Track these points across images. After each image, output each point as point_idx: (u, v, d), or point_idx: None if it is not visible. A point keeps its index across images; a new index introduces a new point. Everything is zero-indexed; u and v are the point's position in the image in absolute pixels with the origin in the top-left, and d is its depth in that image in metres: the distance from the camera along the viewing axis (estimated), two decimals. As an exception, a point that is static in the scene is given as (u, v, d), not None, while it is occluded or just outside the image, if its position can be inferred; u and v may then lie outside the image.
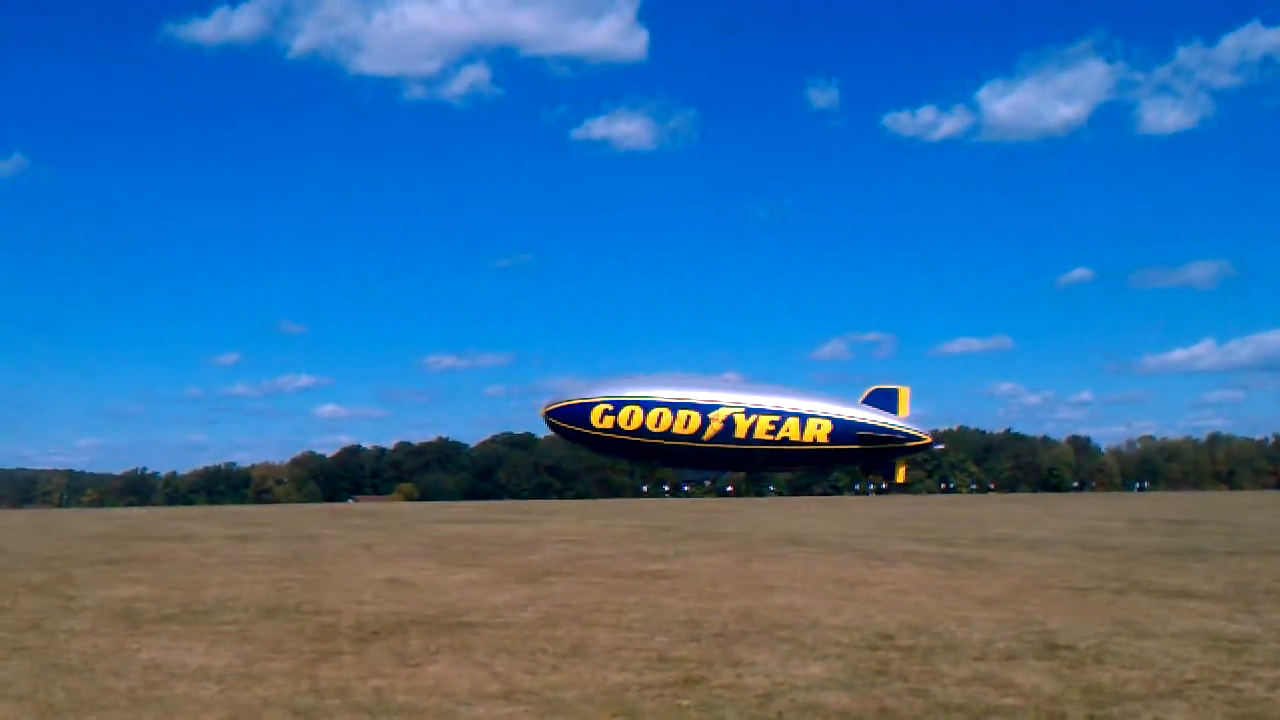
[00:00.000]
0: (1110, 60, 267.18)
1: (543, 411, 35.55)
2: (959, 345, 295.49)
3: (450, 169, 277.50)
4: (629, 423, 33.47)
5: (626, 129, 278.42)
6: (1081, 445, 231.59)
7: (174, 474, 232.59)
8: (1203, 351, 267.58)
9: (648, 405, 33.51)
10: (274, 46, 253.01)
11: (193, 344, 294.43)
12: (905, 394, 35.57)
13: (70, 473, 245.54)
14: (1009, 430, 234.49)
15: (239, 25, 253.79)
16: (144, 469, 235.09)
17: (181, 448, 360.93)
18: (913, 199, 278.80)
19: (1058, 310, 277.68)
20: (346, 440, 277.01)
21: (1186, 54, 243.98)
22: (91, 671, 12.70)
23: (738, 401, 33.37)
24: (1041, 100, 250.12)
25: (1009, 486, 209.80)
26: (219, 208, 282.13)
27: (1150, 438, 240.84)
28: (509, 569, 26.09)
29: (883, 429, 33.21)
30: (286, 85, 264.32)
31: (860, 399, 35.59)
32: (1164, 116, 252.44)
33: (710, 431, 33.11)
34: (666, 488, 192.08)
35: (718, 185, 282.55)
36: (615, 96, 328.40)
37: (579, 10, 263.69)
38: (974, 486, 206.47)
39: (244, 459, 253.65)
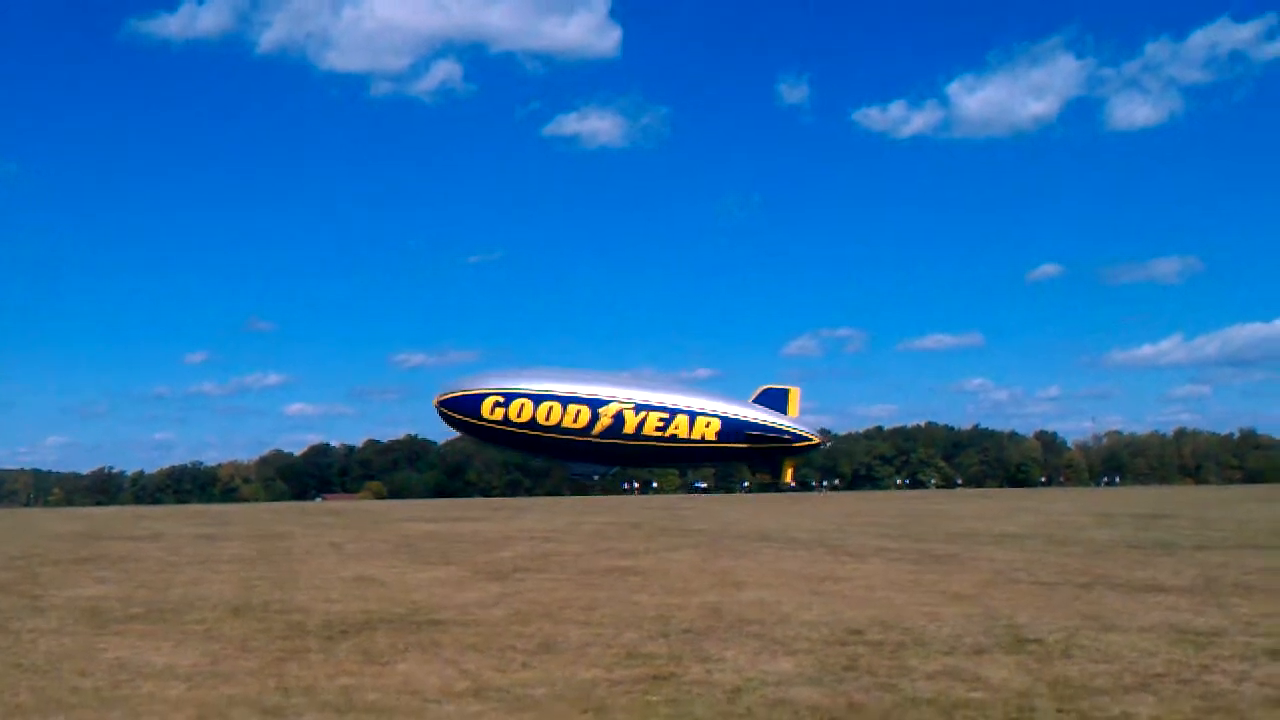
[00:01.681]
0: (1080, 56, 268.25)
1: (435, 401, 35.38)
2: (929, 341, 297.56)
3: (420, 165, 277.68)
4: (519, 415, 33.41)
5: (598, 125, 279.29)
6: (1049, 440, 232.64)
7: (141, 473, 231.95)
8: (1170, 347, 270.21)
9: (538, 399, 33.45)
10: (242, 42, 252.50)
11: (161, 342, 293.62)
12: (795, 394, 35.74)
13: (37, 472, 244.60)
14: (977, 426, 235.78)
15: (206, 21, 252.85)
16: (111, 468, 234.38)
17: (149, 446, 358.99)
18: (883, 194, 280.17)
19: (1027, 306, 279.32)
20: (315, 438, 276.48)
21: (1155, 49, 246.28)
22: (58, 671, 12.62)
23: (628, 397, 33.30)
24: (1012, 95, 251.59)
25: (977, 482, 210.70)
26: (187, 205, 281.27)
27: (1117, 433, 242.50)
28: (478, 566, 26.04)
29: (771, 429, 33.32)
30: (255, 81, 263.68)
31: (751, 398, 35.65)
32: (1133, 112, 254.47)
33: (600, 427, 33.13)
34: (635, 485, 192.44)
35: (689, 182, 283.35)
36: (587, 93, 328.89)
37: (551, 6, 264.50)
38: (922, 482, 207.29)
39: (212, 458, 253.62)
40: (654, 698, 10.91)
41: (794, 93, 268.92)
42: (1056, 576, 21.81)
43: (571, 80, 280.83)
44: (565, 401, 32.90)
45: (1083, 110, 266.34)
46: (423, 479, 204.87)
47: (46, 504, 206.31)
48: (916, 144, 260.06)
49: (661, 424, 32.99)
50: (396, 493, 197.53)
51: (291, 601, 19.12)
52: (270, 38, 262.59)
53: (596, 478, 36.17)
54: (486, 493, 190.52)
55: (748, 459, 35.10)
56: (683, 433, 33.14)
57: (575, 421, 32.85)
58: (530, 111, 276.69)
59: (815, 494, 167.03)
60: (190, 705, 10.86)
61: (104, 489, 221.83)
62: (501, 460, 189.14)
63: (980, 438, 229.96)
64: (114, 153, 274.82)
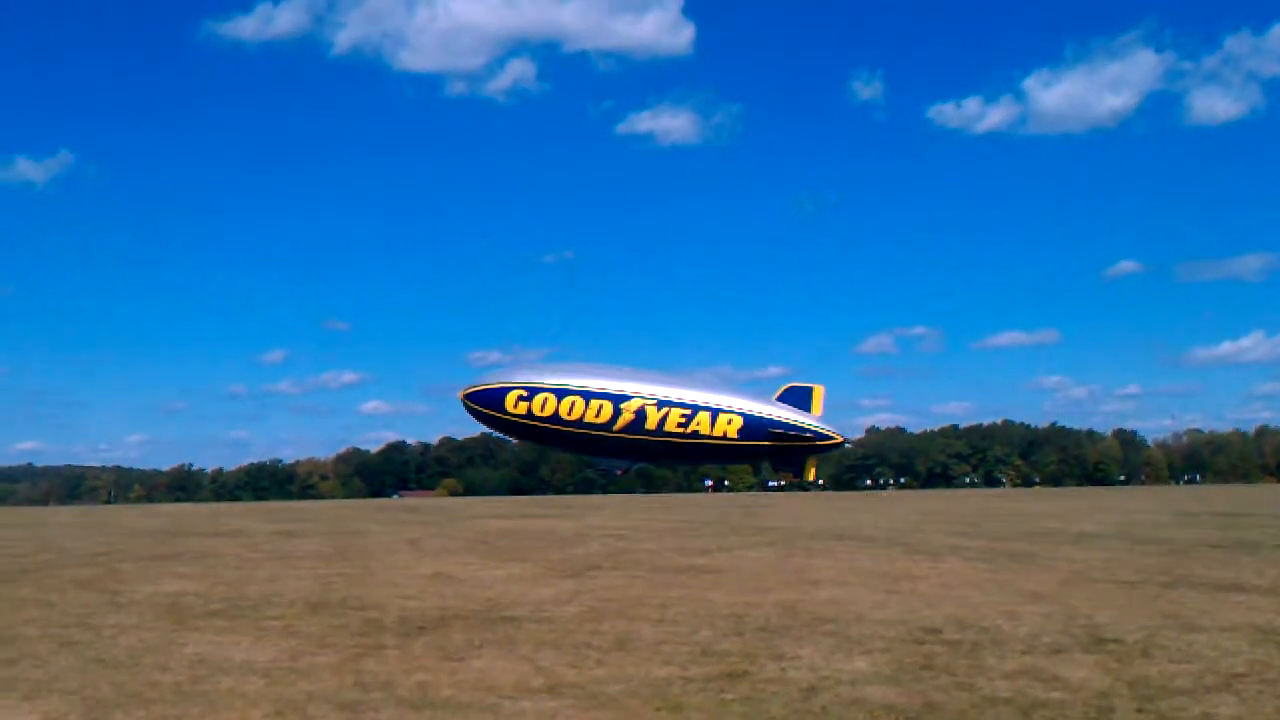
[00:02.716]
0: (1159, 50, 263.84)
1: (461, 394, 35.58)
2: (1005, 338, 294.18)
3: (494, 164, 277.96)
4: (542, 409, 33.33)
5: (671, 123, 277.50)
6: (1128, 439, 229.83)
7: (220, 470, 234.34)
8: (1251, 344, 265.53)
9: (561, 393, 33.38)
10: (317, 43, 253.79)
11: (239, 341, 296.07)
12: (819, 392, 35.30)
13: (118, 469, 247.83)
14: (1054, 424, 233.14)
15: (282, 22, 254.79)
16: (190, 465, 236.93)
17: (227, 444, 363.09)
18: (958, 191, 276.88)
19: (1105, 303, 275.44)
20: (391, 436, 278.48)
21: (1235, 43, 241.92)
22: (138, 666, 12.77)
23: (651, 393, 33.27)
24: (1089, 90, 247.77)
25: (1054, 480, 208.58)
26: (263, 205, 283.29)
27: (1198, 431, 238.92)
28: (553, 564, 26.12)
29: (794, 427, 32.95)
30: (330, 82, 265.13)
31: (775, 396, 35.48)
32: (1213, 106, 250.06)
33: (621, 422, 32.90)
34: (709, 483, 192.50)
35: (762, 179, 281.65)
36: (660, 91, 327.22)
37: (624, 4, 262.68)
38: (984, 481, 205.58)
39: (289, 455, 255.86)
40: (729, 695, 10.88)
41: (867, 89, 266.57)
42: (1136, 576, 21.56)
43: (645, 78, 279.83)
44: (588, 397, 32.90)
45: (1161, 105, 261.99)
46: (497, 476, 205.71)
47: (127, 501, 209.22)
48: (992, 140, 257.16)
49: (683, 420, 32.89)
50: (471, 490, 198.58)
51: (368, 598, 19.25)
52: (345, 38, 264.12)
53: (620, 472, 36.25)
54: (560, 490, 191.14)
55: (770, 457, 34.93)
56: (704, 429, 32.99)
57: (597, 417, 32.82)
58: (603, 110, 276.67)
59: (882, 492, 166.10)
60: (268, 700, 10.96)
61: (183, 486, 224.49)
62: (574, 458, 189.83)
63: (1057, 436, 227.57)
64: (191, 154, 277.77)
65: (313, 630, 15.36)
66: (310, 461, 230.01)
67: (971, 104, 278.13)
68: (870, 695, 10.82)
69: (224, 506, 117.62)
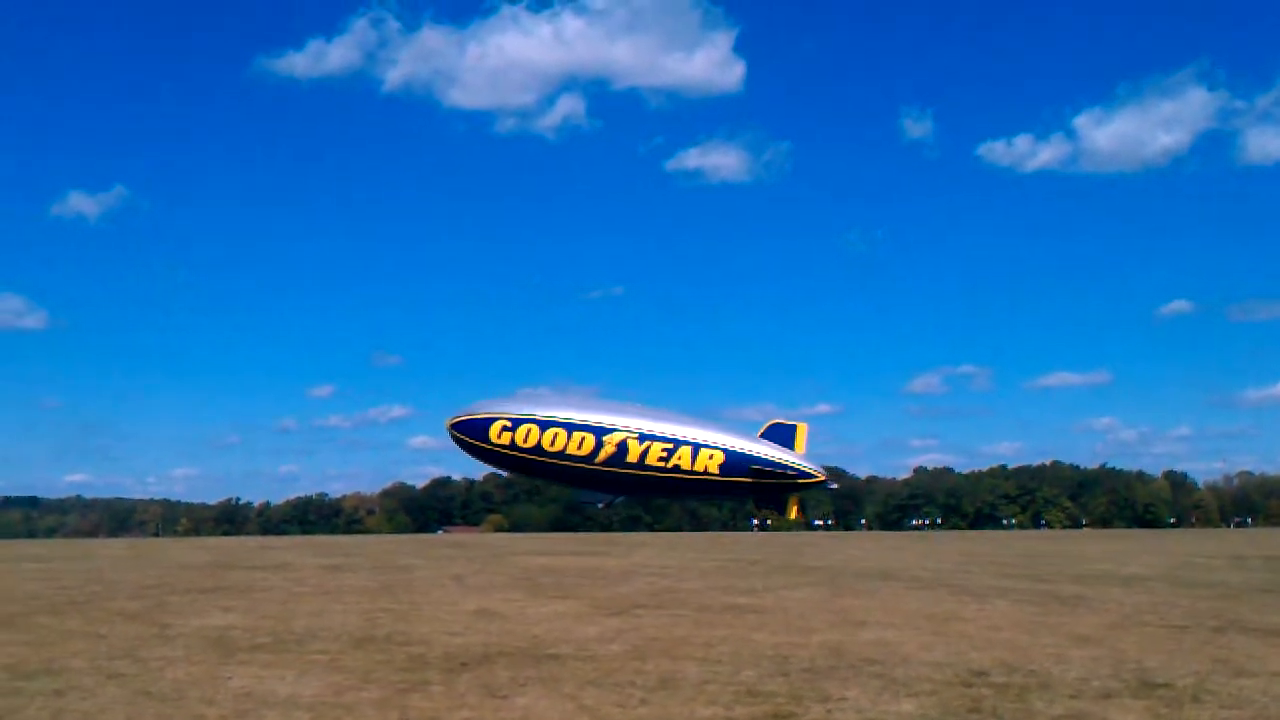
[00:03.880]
0: (1211, 88, 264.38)
1: (447, 424, 35.74)
2: (1055, 379, 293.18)
3: (543, 201, 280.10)
4: (525, 440, 33.64)
5: (721, 160, 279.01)
6: (1178, 481, 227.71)
7: (267, 504, 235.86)
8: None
9: (544, 425, 33.67)
10: (368, 79, 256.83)
11: (289, 376, 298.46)
12: (803, 430, 35.29)
13: (166, 502, 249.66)
14: (1104, 465, 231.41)
15: (334, 58, 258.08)
16: (238, 499, 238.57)
17: (275, 478, 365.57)
18: (1009, 230, 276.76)
19: (1156, 343, 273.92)
20: (437, 471, 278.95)
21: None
22: (184, 699, 12.82)
23: (634, 426, 33.28)
24: (1141, 129, 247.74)
25: (1103, 522, 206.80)
26: (313, 240, 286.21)
27: (1249, 473, 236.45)
28: (597, 601, 26.06)
29: (776, 464, 32.92)
30: (381, 118, 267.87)
31: (759, 433, 35.33)
32: (1267, 145, 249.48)
33: (603, 455, 33.11)
34: (755, 522, 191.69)
35: (811, 217, 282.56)
36: (710, 128, 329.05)
37: (675, 43, 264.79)
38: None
39: (336, 489, 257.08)
40: (774, 737, 10.82)
41: (918, 127, 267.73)
42: (1186, 619, 21.32)
43: (694, 115, 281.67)
44: (570, 429, 33.18)
45: (1214, 143, 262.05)
46: (543, 513, 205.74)
47: (175, 534, 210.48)
48: (1043, 178, 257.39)
49: (665, 454, 33.07)
50: (517, 526, 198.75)
51: (413, 633, 19.27)
52: (396, 75, 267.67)
53: (601, 505, 36.25)
54: (605, 528, 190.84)
55: (752, 494, 34.90)
56: (685, 464, 33.16)
57: (580, 449, 33.10)
58: (653, 147, 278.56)
59: (928, 532, 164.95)
60: (314, 735, 10.98)
61: (230, 519, 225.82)
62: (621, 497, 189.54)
63: (1107, 477, 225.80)
64: (243, 189, 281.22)
65: (358, 665, 15.38)
66: (356, 496, 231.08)
67: (1022, 142, 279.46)
68: (916, 738, 10.74)
69: (271, 540, 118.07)
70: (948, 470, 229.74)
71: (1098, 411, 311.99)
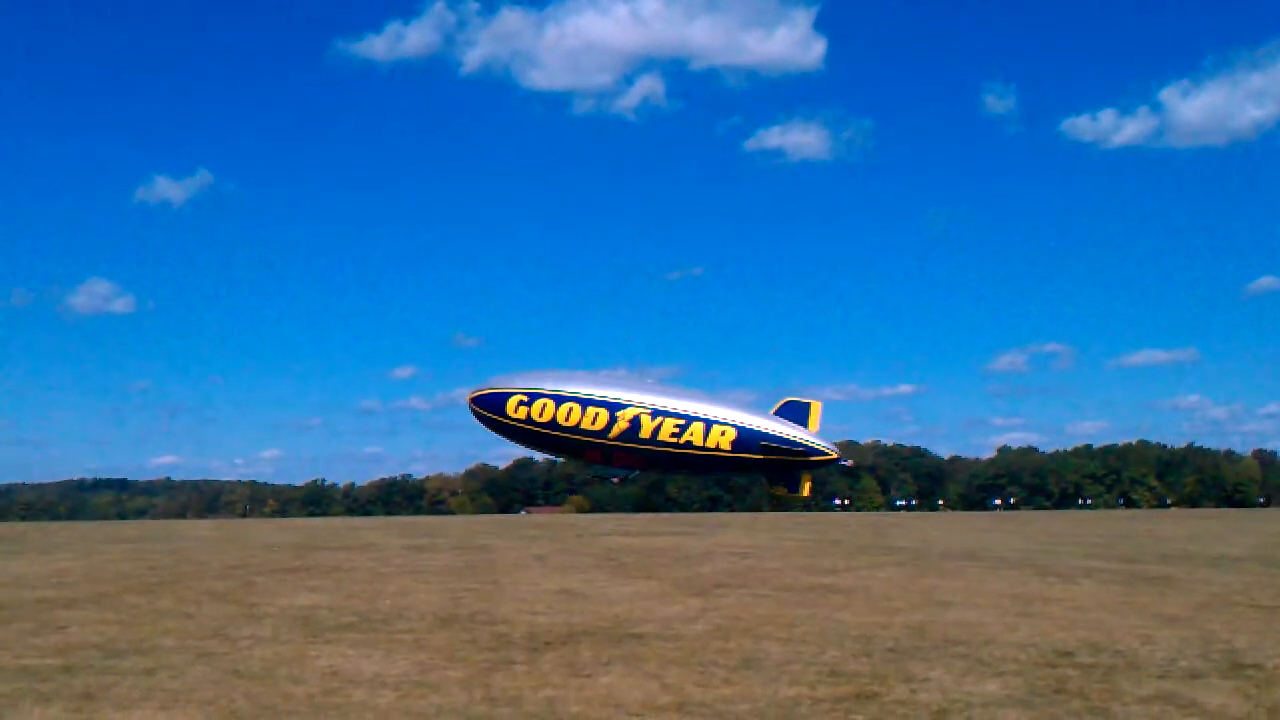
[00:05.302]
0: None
1: (468, 397, 36.02)
2: (1141, 357, 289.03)
3: (622, 181, 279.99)
4: (541, 415, 33.85)
5: (801, 139, 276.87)
6: (1268, 459, 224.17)
7: (352, 485, 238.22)
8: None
9: (559, 399, 33.88)
10: (446, 62, 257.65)
11: (371, 358, 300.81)
12: (817, 408, 35.05)
13: (253, 483, 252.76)
14: (1191, 444, 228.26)
15: (412, 41, 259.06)
16: (323, 480, 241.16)
17: (360, 459, 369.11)
18: (1093, 206, 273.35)
19: (1245, 320, 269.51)
20: (520, 453, 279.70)
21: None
22: (272, 678, 12.98)
23: (648, 402, 33.29)
24: (1230, 102, 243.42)
25: (1191, 502, 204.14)
26: (394, 223, 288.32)
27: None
28: (679, 581, 26.10)
29: (788, 441, 32.77)
30: (459, 100, 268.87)
31: (772, 410, 35.15)
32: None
33: (616, 430, 33.21)
34: (837, 501, 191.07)
35: (892, 195, 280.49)
36: (790, 106, 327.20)
37: (754, 20, 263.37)
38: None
39: (419, 470, 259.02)
40: (857, 717, 10.79)
41: (1000, 103, 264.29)
42: (1276, 600, 21.03)
43: (774, 94, 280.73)
44: (585, 404, 33.39)
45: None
46: (623, 493, 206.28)
47: (262, 515, 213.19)
48: (1128, 154, 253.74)
49: (677, 430, 33.14)
50: (598, 506, 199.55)
51: (496, 613, 19.39)
52: (474, 57, 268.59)
53: (616, 480, 36.28)
54: (686, 508, 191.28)
55: (764, 470, 34.80)
56: (698, 440, 33.21)
57: (594, 423, 33.29)
58: (731, 126, 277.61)
59: (1010, 513, 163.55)
60: (399, 714, 11.08)
61: (316, 500, 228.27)
62: (702, 478, 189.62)
63: (1195, 456, 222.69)
64: (324, 171, 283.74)
65: (442, 644, 15.50)
66: (440, 477, 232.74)
67: (1107, 116, 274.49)
68: (1002, 719, 10.67)
69: (356, 521, 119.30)
70: (1032, 450, 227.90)
71: (1185, 389, 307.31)
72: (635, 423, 33.22)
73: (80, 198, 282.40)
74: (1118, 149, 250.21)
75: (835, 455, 34.19)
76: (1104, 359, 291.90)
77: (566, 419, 33.83)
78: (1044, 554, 36.60)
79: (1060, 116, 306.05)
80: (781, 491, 35.52)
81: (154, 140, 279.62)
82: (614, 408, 33.33)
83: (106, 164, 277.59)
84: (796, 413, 35.02)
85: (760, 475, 36.64)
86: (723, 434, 33.41)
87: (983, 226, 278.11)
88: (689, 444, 33.50)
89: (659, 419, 33.23)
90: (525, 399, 34.23)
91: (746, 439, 33.56)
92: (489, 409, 35.38)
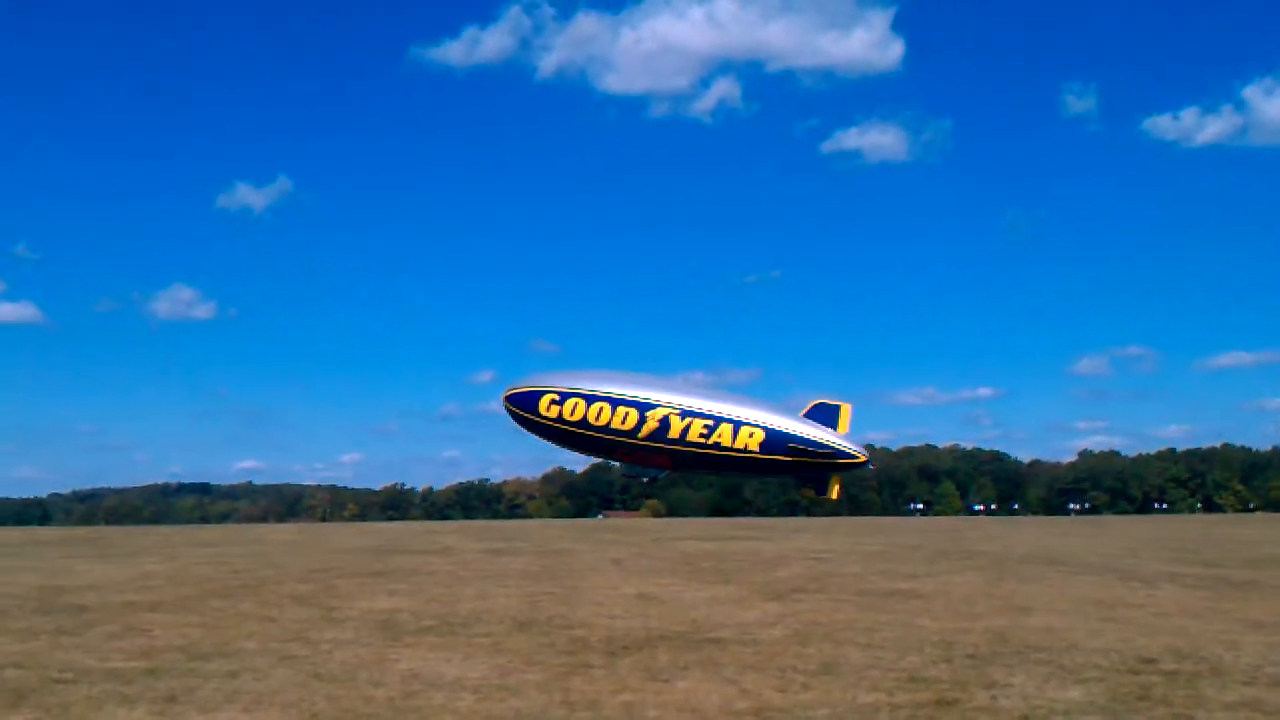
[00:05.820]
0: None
1: (503, 395, 36.36)
2: (1227, 359, 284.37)
3: (698, 185, 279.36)
4: (572, 413, 33.90)
5: (879, 140, 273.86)
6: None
7: (430, 489, 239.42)
8: None
9: (590, 399, 33.94)
10: (523, 67, 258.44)
11: (450, 363, 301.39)
12: (847, 410, 34.77)
13: (333, 487, 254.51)
14: (1277, 447, 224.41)
15: (489, 46, 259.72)
16: (402, 484, 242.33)
17: (438, 463, 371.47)
18: (1175, 206, 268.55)
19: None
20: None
21: None
22: (353, 681, 13.09)
23: (677, 403, 33.39)
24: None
25: (1277, 506, 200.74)
26: (471, 228, 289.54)
27: None
28: (756, 586, 26.06)
29: (815, 443, 32.53)
30: (535, 105, 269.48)
31: (802, 413, 35.05)
32: None
33: (645, 430, 33.16)
34: (917, 506, 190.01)
35: (971, 196, 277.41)
36: (868, 108, 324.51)
37: (831, 21, 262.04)
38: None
39: (497, 474, 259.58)
40: (937, 723, 10.72)
41: (1080, 102, 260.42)
42: (1367, 607, 20.66)
43: (852, 95, 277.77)
44: (615, 403, 33.47)
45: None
46: (699, 497, 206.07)
47: (341, 518, 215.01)
48: (1211, 152, 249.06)
49: (705, 431, 33.11)
50: (675, 510, 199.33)
51: (574, 617, 19.45)
52: (550, 62, 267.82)
53: (646, 480, 36.43)
54: (763, 512, 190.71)
55: (792, 472, 34.75)
56: (726, 441, 33.14)
57: (623, 423, 33.33)
58: (809, 128, 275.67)
59: (1091, 517, 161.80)
60: (479, 717, 11.13)
61: (395, 504, 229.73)
62: (778, 482, 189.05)
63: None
64: (402, 177, 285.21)
65: (520, 648, 15.56)
66: (517, 481, 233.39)
67: (1189, 115, 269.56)
68: (1084, 726, 10.56)
69: (434, 525, 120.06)
70: (1114, 453, 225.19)
71: (1271, 391, 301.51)
72: (664, 423, 33.37)
73: (163, 205, 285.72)
74: (1200, 148, 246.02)
75: (863, 458, 34.20)
76: (1188, 361, 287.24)
77: (597, 418, 34.04)
78: (1126, 558, 36.21)
79: (1141, 115, 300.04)
80: (810, 494, 35.42)
81: (235, 147, 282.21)
82: (644, 408, 33.53)
83: (188, 171, 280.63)
84: (826, 415, 35.00)
85: (788, 477, 36.73)
86: (750, 435, 33.43)
87: (1063, 227, 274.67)
88: (717, 444, 33.62)
89: (688, 419, 33.36)
90: (557, 398, 34.52)
91: (774, 440, 33.59)
92: (522, 407, 35.76)
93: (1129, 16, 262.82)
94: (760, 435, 33.78)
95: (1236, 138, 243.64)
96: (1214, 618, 18.88)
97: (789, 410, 35.91)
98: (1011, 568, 31.91)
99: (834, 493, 35.68)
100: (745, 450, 33.93)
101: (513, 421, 36.59)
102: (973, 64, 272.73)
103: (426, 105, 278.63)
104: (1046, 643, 15.79)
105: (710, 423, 33.93)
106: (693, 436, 33.84)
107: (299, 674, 13.61)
